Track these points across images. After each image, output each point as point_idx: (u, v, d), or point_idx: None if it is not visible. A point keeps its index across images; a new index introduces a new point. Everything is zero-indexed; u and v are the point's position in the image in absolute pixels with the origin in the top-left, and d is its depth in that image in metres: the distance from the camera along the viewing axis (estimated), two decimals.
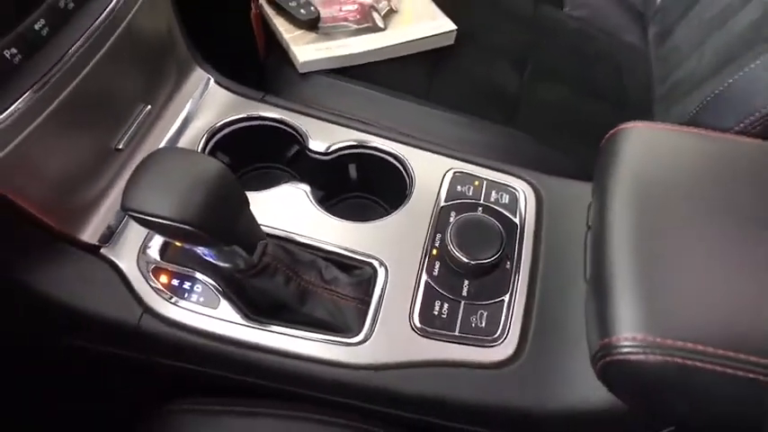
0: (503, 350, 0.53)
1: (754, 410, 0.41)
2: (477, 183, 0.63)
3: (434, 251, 0.58)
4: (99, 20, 0.53)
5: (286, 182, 0.64)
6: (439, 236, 0.59)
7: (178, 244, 0.54)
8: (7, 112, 0.46)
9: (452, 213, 0.60)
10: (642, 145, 0.50)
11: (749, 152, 0.51)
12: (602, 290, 0.43)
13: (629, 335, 0.39)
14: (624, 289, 0.42)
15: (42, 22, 0.46)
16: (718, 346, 0.38)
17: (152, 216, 0.43)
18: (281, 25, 0.84)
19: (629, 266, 0.43)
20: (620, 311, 0.41)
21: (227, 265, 0.53)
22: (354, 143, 0.67)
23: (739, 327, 0.39)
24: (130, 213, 0.43)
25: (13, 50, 0.44)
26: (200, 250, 0.51)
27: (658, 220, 0.45)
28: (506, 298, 0.55)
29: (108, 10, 0.54)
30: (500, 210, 0.61)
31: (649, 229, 0.45)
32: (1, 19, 0.43)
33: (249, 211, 0.49)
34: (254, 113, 0.68)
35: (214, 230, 0.45)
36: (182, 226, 0.43)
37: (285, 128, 0.68)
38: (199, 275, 0.55)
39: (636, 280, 0.42)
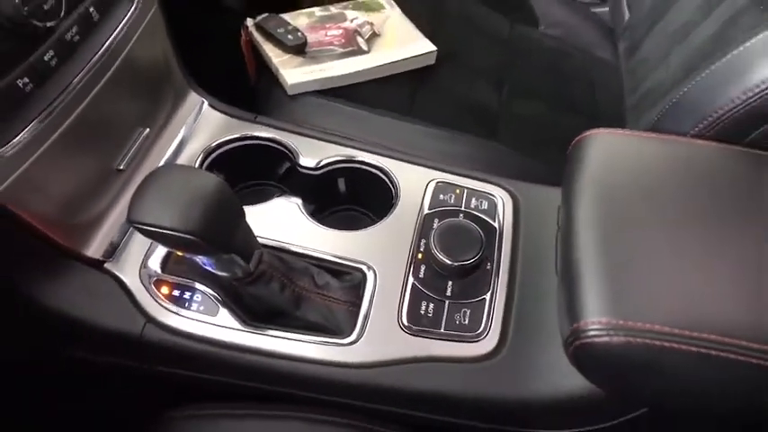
0: (485, 345, 0.56)
1: (712, 387, 0.45)
2: (458, 191, 0.68)
3: (420, 255, 0.61)
4: (101, 51, 0.57)
5: (279, 196, 0.67)
6: (423, 241, 0.62)
7: (180, 254, 0.58)
8: (19, 136, 0.49)
9: (435, 220, 0.64)
10: (604, 149, 0.55)
11: (702, 153, 0.56)
12: (570, 281, 0.47)
13: (595, 319, 0.43)
14: (590, 279, 0.46)
15: (51, 53, 0.50)
16: (676, 326, 0.42)
17: (156, 227, 0.46)
18: (270, 51, 0.89)
19: (595, 259, 0.47)
20: (587, 299, 0.44)
21: (225, 273, 0.56)
22: (342, 158, 0.71)
23: (696, 309, 0.43)
24: (136, 225, 0.47)
25: (26, 80, 0.48)
26: (200, 260, 0.54)
27: (620, 216, 0.50)
28: (487, 296, 0.59)
29: (109, 41, 0.58)
30: (480, 215, 0.65)
31: (612, 224, 0.49)
32: (16, 51, 0.48)
33: (245, 221, 0.53)
34: (248, 133, 0.72)
35: (213, 239, 0.48)
36: (184, 236, 0.46)
37: (277, 146, 0.72)
38: (198, 285, 0.59)
39: (600, 270, 0.46)
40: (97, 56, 0.57)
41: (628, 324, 0.42)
